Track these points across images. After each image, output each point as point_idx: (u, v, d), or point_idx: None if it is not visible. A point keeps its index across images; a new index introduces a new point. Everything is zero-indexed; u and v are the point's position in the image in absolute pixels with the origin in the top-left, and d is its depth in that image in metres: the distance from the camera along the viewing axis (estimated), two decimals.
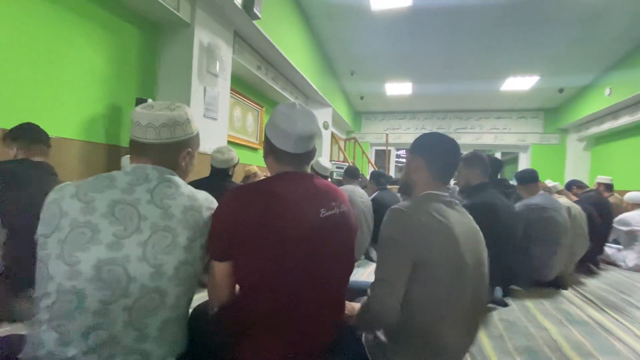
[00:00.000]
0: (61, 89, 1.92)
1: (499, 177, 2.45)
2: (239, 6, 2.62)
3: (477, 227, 1.01)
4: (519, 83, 5.90)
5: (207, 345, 0.87)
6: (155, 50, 2.59)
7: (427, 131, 1.12)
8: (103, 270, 0.64)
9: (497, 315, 1.86)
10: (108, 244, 0.66)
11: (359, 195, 2.81)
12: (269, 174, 0.97)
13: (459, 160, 1.05)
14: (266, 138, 0.92)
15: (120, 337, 0.66)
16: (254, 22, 2.89)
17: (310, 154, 0.93)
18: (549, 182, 4.06)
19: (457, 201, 1.01)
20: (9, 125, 1.52)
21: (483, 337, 1.57)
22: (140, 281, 0.67)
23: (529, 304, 2.05)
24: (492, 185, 1.93)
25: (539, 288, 2.30)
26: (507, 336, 1.60)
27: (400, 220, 0.90)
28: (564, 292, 2.32)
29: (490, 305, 1.96)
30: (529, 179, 2.49)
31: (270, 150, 0.91)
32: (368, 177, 3.95)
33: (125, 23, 2.31)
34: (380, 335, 0.97)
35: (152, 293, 0.69)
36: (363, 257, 3.01)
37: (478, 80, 5.92)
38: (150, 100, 0.82)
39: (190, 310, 0.97)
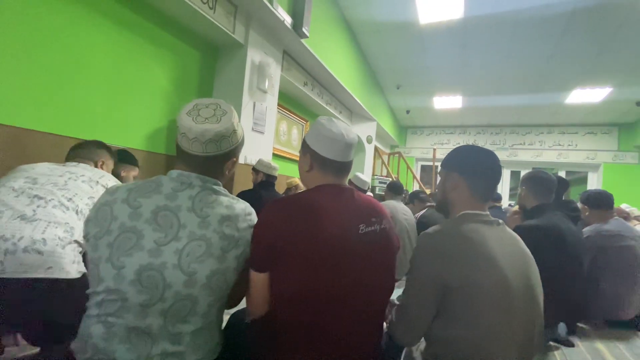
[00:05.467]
0: (131, 105, 2.15)
1: (563, 198, 2.19)
2: (289, 26, 2.75)
3: (526, 250, 0.91)
4: (588, 95, 5.33)
5: (241, 353, 0.88)
6: (213, 69, 2.81)
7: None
8: (143, 275, 0.67)
9: (560, 356, 1.63)
10: (149, 250, 0.69)
11: (402, 211, 2.71)
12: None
13: (500, 176, 0.98)
14: (309, 151, 0.92)
15: (157, 339, 0.69)
16: (302, 40, 3.01)
17: (350, 165, 0.95)
18: (626, 207, 3.56)
19: (501, 220, 0.93)
20: (86, 136, 1.74)
21: None
22: (174, 288, 0.69)
23: (601, 346, 1.77)
24: (555, 207, 1.74)
25: (612, 328, 1.99)
26: None
27: (426, 246, 0.86)
28: None
29: (552, 343, 1.73)
30: (604, 203, 2.15)
31: (315, 161, 0.91)
32: (407, 197, 3.81)
33: (188, 46, 2.54)
34: None
35: (185, 300, 0.71)
36: (405, 277, 2.87)
37: (539, 93, 5.48)
38: (195, 102, 0.84)
39: (228, 317, 0.99)
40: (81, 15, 1.81)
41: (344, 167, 0.93)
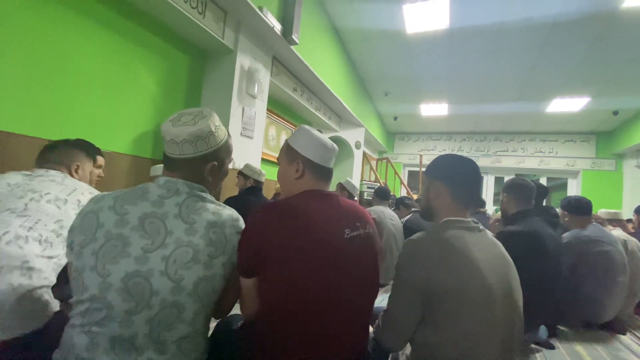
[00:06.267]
0: (117, 109, 2.12)
1: (544, 204, 2.26)
2: (279, 33, 2.77)
3: (507, 255, 0.95)
4: (567, 104, 5.54)
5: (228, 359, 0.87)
6: (201, 73, 2.80)
7: (464, 153, 1.08)
8: (129, 282, 0.67)
9: (541, 358, 1.68)
10: (136, 257, 0.68)
11: (389, 216, 2.74)
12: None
13: (481, 184, 1.02)
14: (300, 158, 0.93)
15: (142, 348, 0.68)
16: (292, 47, 3.03)
17: (332, 172, 1.00)
18: (604, 212, 3.70)
19: (482, 227, 0.96)
20: (71, 136, 1.71)
21: None
22: (161, 295, 0.69)
23: (580, 348, 1.83)
24: (535, 213, 1.80)
25: (591, 331, 2.06)
26: None
27: (410, 252, 0.89)
28: (622, 337, 2.05)
29: (533, 345, 1.78)
30: (583, 209, 2.22)
31: (307, 167, 0.92)
32: (394, 203, 3.87)
33: (177, 50, 2.53)
34: None
35: (171, 307, 0.70)
36: (391, 282, 2.89)
37: (521, 102, 5.66)
38: (181, 112, 0.86)
39: (215, 324, 0.99)
40: (66, 17, 1.79)
41: (331, 173, 0.98)
